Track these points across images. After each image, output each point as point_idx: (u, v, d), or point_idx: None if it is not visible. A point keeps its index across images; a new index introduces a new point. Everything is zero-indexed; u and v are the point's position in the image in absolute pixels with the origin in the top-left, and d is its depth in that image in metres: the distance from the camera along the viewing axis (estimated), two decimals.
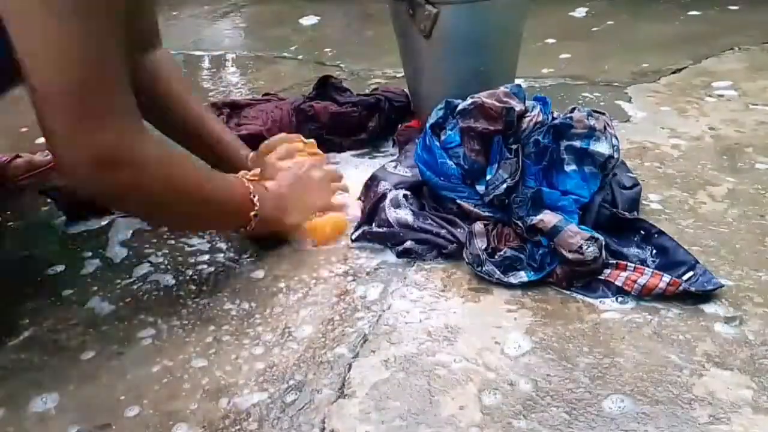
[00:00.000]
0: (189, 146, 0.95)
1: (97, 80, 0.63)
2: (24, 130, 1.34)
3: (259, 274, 0.84)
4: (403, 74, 1.28)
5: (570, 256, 0.74)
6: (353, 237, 0.88)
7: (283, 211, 0.86)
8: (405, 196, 0.89)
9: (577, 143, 0.82)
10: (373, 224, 0.88)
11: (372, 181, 0.93)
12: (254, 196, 0.81)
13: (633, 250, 0.79)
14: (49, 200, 1.02)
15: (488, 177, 0.83)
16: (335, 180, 0.98)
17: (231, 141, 0.98)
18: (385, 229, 0.86)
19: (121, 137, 0.65)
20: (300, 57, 1.72)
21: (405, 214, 0.86)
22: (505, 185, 0.81)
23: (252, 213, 0.80)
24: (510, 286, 0.77)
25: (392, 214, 0.86)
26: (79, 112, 0.62)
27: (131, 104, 0.67)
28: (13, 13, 0.60)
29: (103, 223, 0.99)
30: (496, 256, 0.79)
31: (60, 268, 0.89)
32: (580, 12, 1.87)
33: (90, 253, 0.91)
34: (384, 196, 0.89)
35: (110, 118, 0.64)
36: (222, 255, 0.88)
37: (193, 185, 0.75)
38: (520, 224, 0.80)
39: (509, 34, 1.09)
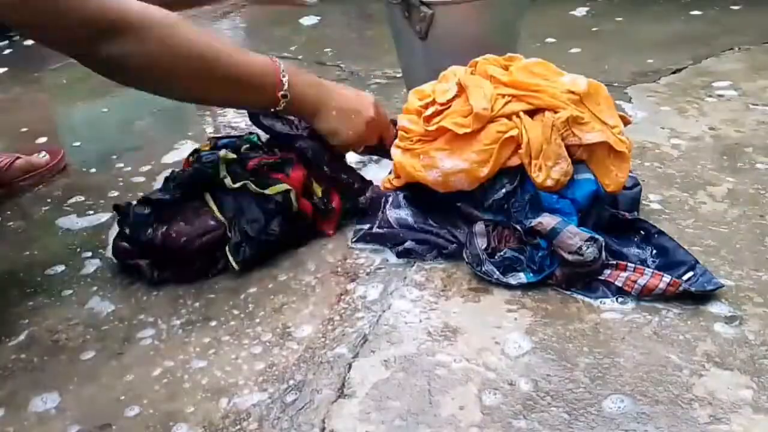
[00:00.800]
0: None
1: None
2: (24, 130, 1.35)
3: (259, 274, 0.84)
4: (402, 74, 1.28)
5: (569, 257, 0.74)
6: (353, 238, 0.88)
7: (318, 108, 0.82)
8: (405, 197, 0.89)
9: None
10: (374, 225, 0.88)
11: (373, 184, 0.94)
12: (284, 76, 0.78)
13: (633, 251, 0.79)
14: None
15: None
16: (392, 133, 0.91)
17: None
18: (385, 229, 0.86)
19: (122, 5, 0.65)
20: (300, 57, 1.72)
21: (405, 215, 0.86)
22: (504, 190, 0.81)
23: (280, 93, 0.77)
24: (510, 287, 0.77)
25: (393, 214, 0.86)
26: None
27: None
28: None
29: (103, 220, 0.99)
30: (496, 257, 0.79)
31: (60, 268, 0.89)
32: (580, 11, 1.87)
33: (90, 253, 0.91)
34: (385, 197, 0.89)
35: None
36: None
37: (206, 52, 0.72)
38: (519, 228, 0.80)
39: (506, 35, 1.08)
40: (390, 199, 0.88)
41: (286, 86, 0.77)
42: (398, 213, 0.86)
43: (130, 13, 0.67)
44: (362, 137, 0.87)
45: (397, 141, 0.90)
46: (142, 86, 0.78)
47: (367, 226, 0.88)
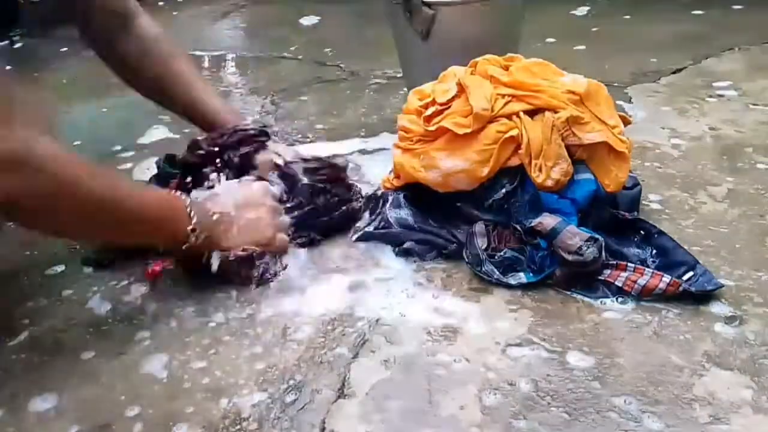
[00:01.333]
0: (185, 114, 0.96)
1: None
2: None
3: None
4: (402, 74, 1.28)
5: (569, 257, 0.74)
6: (354, 237, 0.88)
7: (225, 233, 0.79)
8: (405, 197, 0.89)
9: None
10: (374, 224, 0.88)
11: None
12: (191, 210, 0.75)
13: (633, 251, 0.79)
14: None
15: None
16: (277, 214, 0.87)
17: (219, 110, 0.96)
18: (385, 229, 0.86)
19: (18, 138, 0.62)
20: (300, 57, 1.72)
21: (405, 215, 0.86)
22: (504, 190, 0.81)
23: (189, 227, 0.74)
24: (510, 287, 0.77)
25: (392, 214, 0.86)
26: None
27: (15, 113, 0.64)
28: None
29: None
30: (496, 257, 0.79)
31: (60, 268, 0.89)
32: (581, 11, 1.87)
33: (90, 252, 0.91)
34: (385, 197, 0.89)
35: (4, 120, 0.62)
36: None
37: (106, 191, 0.69)
38: (519, 228, 0.80)
39: (507, 35, 1.09)
40: (390, 199, 0.88)
41: (194, 221, 0.75)
42: (398, 213, 0.86)
43: (18, 149, 0.62)
44: (270, 239, 0.83)
45: (397, 141, 0.90)
46: (38, 223, 0.72)
47: (367, 225, 0.88)
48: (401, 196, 0.88)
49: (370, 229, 0.87)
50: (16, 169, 0.61)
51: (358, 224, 0.90)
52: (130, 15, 0.97)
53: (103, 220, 0.71)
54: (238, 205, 0.82)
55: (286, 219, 0.87)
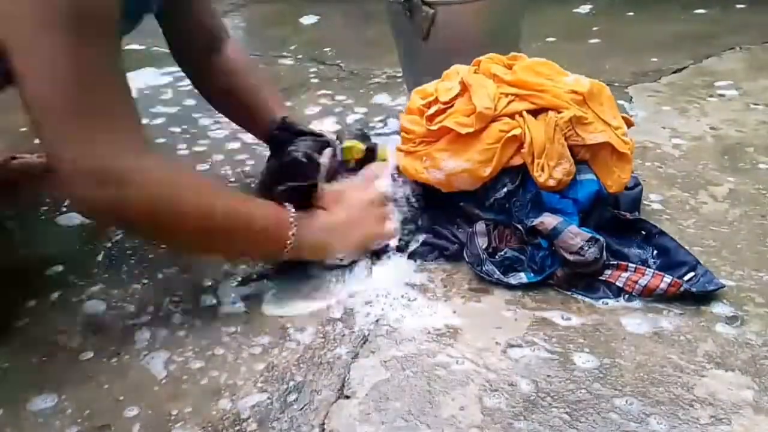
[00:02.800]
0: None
1: (90, 98, 0.61)
2: (24, 130, 1.34)
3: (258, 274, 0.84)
4: (402, 74, 1.28)
5: (570, 257, 0.73)
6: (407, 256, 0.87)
7: (328, 244, 0.80)
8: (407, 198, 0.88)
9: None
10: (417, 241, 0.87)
11: None
12: (293, 222, 0.75)
13: (634, 251, 0.79)
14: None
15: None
16: (384, 204, 0.87)
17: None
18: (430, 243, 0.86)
19: (119, 153, 0.63)
20: (300, 57, 1.72)
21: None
22: (505, 189, 0.81)
23: (288, 242, 0.75)
24: (510, 287, 0.76)
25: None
26: (74, 130, 0.61)
27: (131, 122, 0.66)
28: (2, 17, 0.59)
29: None
30: (497, 256, 0.79)
31: (59, 267, 0.88)
32: (584, 8, 1.87)
33: (90, 254, 0.91)
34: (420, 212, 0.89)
35: (107, 135, 0.63)
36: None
37: (204, 209, 0.70)
38: (521, 227, 0.79)
39: (508, 34, 1.08)
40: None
41: (293, 235, 0.75)
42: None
43: (125, 165, 0.64)
44: (377, 234, 0.83)
45: (399, 144, 0.89)
46: (142, 234, 0.77)
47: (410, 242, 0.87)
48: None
49: (419, 247, 0.85)
50: (109, 185, 0.62)
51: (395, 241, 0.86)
52: (221, 37, 0.98)
53: (203, 233, 0.71)
54: (344, 209, 0.82)
55: (391, 207, 0.86)
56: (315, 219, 0.79)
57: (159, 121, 1.35)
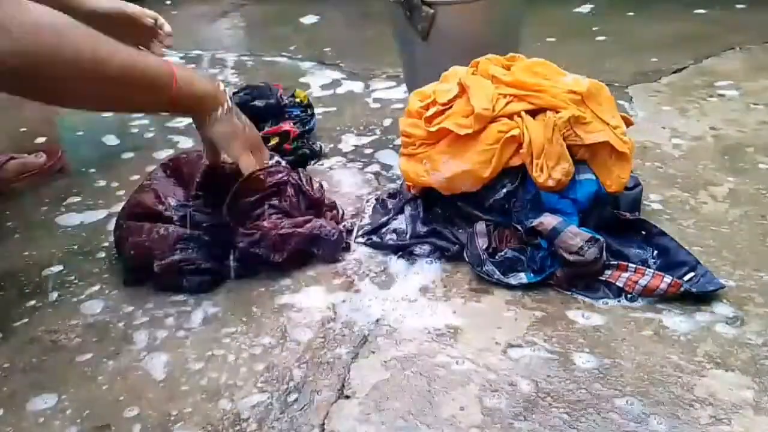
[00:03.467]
0: None
1: None
2: (24, 130, 1.34)
3: (258, 275, 0.84)
4: (402, 74, 1.28)
5: (570, 257, 0.73)
6: (356, 240, 0.88)
7: (209, 109, 0.78)
8: (418, 202, 0.89)
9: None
10: (376, 231, 0.88)
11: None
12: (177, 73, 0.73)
13: (634, 251, 0.79)
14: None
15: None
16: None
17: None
18: (388, 240, 0.86)
19: None
20: (300, 56, 1.72)
21: (416, 223, 0.86)
22: (505, 190, 0.81)
23: (176, 87, 0.73)
24: (510, 287, 0.76)
25: (392, 225, 0.87)
26: None
27: None
28: None
29: (102, 219, 0.98)
30: (497, 257, 0.79)
31: (59, 268, 0.88)
32: (584, 8, 1.87)
33: (89, 254, 0.91)
34: (402, 206, 0.89)
35: None
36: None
37: (101, 55, 0.66)
38: (520, 228, 0.79)
39: (507, 34, 1.08)
40: (407, 211, 0.88)
41: (180, 82, 0.74)
42: (399, 223, 0.87)
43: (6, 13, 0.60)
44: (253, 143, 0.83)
45: (401, 149, 0.89)
46: (25, 93, 0.70)
47: (369, 228, 0.88)
48: (418, 203, 0.89)
49: (373, 233, 0.87)
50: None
51: (362, 222, 0.89)
52: None
53: (98, 81, 0.68)
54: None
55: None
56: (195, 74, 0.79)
57: None
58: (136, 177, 1.12)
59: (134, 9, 1.04)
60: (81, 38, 0.66)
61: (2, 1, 0.60)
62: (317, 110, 1.27)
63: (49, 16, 0.64)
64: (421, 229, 0.86)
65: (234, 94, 1.23)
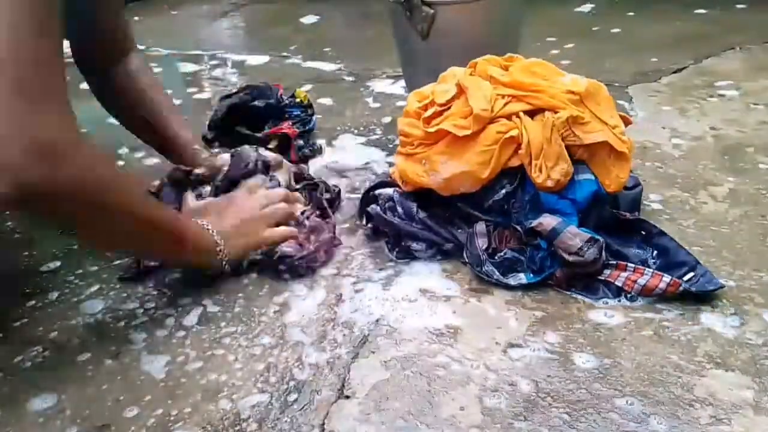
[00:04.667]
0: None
1: (33, 79, 0.58)
2: None
3: (258, 274, 0.84)
4: (402, 74, 1.28)
5: (570, 258, 0.73)
6: (357, 222, 0.88)
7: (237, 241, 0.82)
8: (409, 196, 0.88)
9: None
10: (383, 209, 0.87)
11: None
12: (209, 228, 0.79)
13: (634, 251, 0.79)
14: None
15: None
16: (273, 200, 0.88)
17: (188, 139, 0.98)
18: (390, 216, 0.85)
19: (62, 122, 0.60)
20: (300, 56, 1.72)
21: (410, 207, 0.86)
22: (504, 191, 0.81)
23: (218, 248, 0.79)
24: (510, 287, 0.76)
25: (399, 207, 0.86)
26: (16, 106, 0.57)
27: (69, 107, 0.63)
28: None
29: None
30: (496, 257, 0.79)
31: (59, 267, 0.88)
32: (584, 8, 1.87)
33: (89, 253, 0.91)
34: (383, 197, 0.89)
35: (49, 99, 0.59)
36: None
37: (137, 200, 0.71)
38: (520, 228, 0.79)
39: (508, 34, 1.08)
40: (397, 197, 0.88)
41: (219, 242, 0.80)
42: (407, 205, 0.86)
43: (70, 137, 0.61)
44: (262, 237, 0.85)
45: (399, 148, 0.89)
46: (65, 217, 0.68)
47: (375, 208, 0.87)
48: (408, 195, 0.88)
49: (378, 209, 0.86)
50: (46, 157, 0.58)
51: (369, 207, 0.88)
52: (127, 46, 0.97)
53: (123, 228, 0.70)
54: (220, 214, 0.84)
55: (280, 206, 0.87)
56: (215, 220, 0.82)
57: None
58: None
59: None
60: (125, 184, 0.70)
61: (64, 130, 0.61)
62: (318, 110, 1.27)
63: (102, 155, 0.68)
64: (419, 219, 0.85)
65: (234, 94, 1.23)
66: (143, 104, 0.96)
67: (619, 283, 0.74)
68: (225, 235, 0.81)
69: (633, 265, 0.74)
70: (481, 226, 0.81)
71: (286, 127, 1.14)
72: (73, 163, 0.61)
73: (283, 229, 0.86)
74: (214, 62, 1.76)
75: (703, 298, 0.71)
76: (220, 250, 0.79)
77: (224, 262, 0.81)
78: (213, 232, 0.79)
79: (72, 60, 0.94)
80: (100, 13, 0.91)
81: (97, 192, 0.64)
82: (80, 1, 0.85)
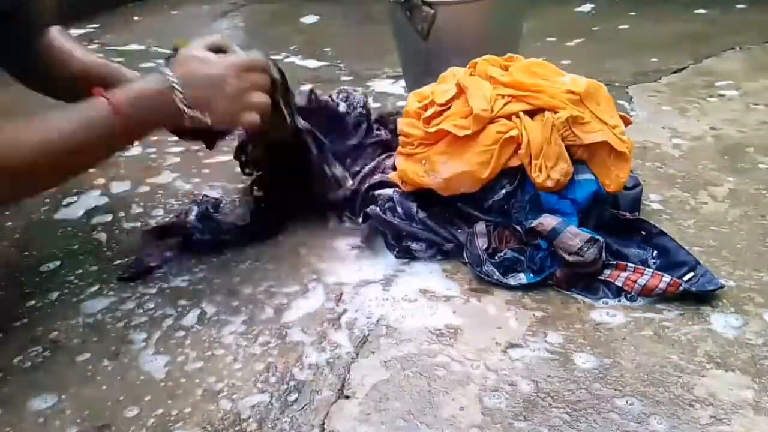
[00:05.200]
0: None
1: None
2: None
3: (259, 274, 0.84)
4: (402, 74, 1.28)
5: (570, 258, 0.73)
6: (360, 220, 0.88)
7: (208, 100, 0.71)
8: (408, 196, 0.88)
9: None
10: (384, 209, 0.87)
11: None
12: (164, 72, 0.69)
13: (634, 251, 0.79)
14: None
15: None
16: (256, 87, 0.74)
17: (120, 71, 0.91)
18: (390, 216, 0.85)
19: None
20: (300, 56, 1.72)
21: (410, 207, 0.86)
22: (504, 191, 0.81)
23: (175, 93, 0.69)
24: (510, 287, 0.76)
25: (400, 207, 0.86)
26: None
27: None
28: None
29: (102, 220, 0.98)
30: (496, 257, 0.79)
31: (59, 267, 0.88)
32: (585, 8, 1.87)
33: (89, 253, 0.91)
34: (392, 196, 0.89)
35: None
36: (221, 256, 0.88)
37: (45, 147, 0.67)
38: (520, 228, 0.79)
39: (508, 34, 1.08)
40: (396, 197, 0.88)
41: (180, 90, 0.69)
42: (407, 205, 0.86)
43: None
44: (242, 105, 0.73)
45: (399, 148, 0.89)
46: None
47: (375, 209, 0.87)
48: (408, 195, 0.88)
49: (377, 210, 0.86)
50: None
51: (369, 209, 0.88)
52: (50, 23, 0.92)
53: (57, 162, 0.68)
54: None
55: (262, 96, 0.75)
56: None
57: None
58: (136, 173, 1.12)
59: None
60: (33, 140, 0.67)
61: None
62: None
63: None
64: (419, 218, 0.85)
65: None
66: (74, 67, 0.90)
67: (619, 283, 0.74)
68: (186, 82, 0.70)
69: (633, 265, 0.74)
70: (481, 226, 0.81)
71: None
72: None
73: (255, 117, 0.73)
74: None
75: (703, 298, 0.71)
76: (179, 97, 0.69)
77: (187, 114, 0.70)
78: (168, 74, 0.69)
79: None
80: None
81: (27, 164, 0.65)
82: None
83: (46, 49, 0.91)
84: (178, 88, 0.69)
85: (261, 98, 0.75)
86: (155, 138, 1.29)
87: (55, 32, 0.92)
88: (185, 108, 0.70)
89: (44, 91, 0.96)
